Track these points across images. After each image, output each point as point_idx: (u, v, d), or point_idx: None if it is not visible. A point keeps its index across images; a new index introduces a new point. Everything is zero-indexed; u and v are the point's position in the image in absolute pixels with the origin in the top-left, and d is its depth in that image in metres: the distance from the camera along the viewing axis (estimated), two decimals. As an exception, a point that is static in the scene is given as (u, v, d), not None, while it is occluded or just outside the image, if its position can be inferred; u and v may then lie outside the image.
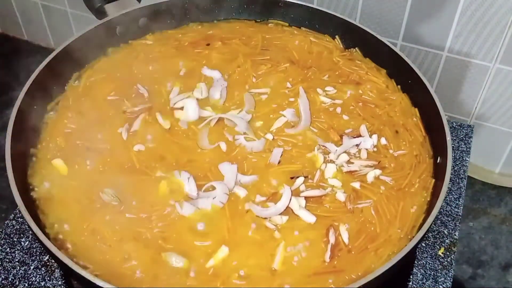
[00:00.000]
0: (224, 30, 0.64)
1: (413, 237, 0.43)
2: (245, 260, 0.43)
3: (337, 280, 0.42)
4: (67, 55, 0.56)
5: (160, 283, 0.41)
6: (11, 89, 0.52)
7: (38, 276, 0.50)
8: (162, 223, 0.45)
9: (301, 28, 0.65)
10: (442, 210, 0.57)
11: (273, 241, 0.44)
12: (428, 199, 0.48)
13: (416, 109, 0.55)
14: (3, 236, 0.52)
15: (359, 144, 0.51)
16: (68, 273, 0.49)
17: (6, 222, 0.53)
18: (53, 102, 0.54)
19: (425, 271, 0.52)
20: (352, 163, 0.50)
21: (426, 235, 0.46)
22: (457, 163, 0.62)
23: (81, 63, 0.58)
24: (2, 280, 0.49)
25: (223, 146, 0.51)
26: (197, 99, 0.55)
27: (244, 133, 0.52)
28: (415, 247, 0.42)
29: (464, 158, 0.62)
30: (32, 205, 0.46)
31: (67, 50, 0.56)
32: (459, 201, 0.58)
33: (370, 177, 0.49)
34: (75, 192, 0.47)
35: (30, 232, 0.52)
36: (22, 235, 0.52)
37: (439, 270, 0.52)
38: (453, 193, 0.58)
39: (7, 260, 0.50)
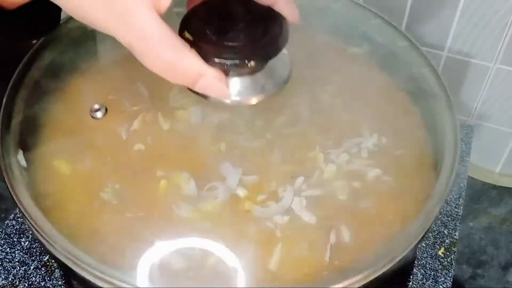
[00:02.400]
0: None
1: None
2: (245, 260, 0.43)
3: (337, 280, 0.42)
4: (65, 53, 0.56)
5: (161, 283, 0.41)
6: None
7: (38, 276, 0.50)
8: (162, 223, 0.45)
9: (301, 28, 0.65)
10: (442, 210, 0.57)
11: (273, 241, 0.44)
12: (428, 199, 0.48)
13: (416, 109, 0.55)
14: (3, 236, 0.52)
15: (360, 143, 0.51)
16: (68, 273, 0.49)
17: (6, 222, 0.53)
18: (53, 101, 0.54)
19: (425, 271, 0.52)
20: (353, 162, 0.50)
21: (426, 235, 0.46)
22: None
23: (81, 62, 0.58)
24: (2, 280, 0.49)
25: (223, 145, 0.51)
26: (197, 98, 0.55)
27: (244, 133, 0.52)
28: (415, 247, 0.42)
29: (464, 158, 0.62)
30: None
31: (65, 48, 0.56)
32: (459, 201, 0.58)
33: (371, 176, 0.49)
34: (74, 192, 0.47)
35: (30, 232, 0.52)
36: (22, 235, 0.52)
37: (439, 270, 0.52)
38: (453, 193, 0.58)
39: (7, 260, 0.50)
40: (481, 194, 0.79)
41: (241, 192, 0.48)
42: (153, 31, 0.36)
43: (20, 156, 0.47)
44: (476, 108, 0.75)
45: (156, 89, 0.57)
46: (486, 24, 0.67)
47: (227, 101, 0.43)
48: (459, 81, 0.73)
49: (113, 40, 0.60)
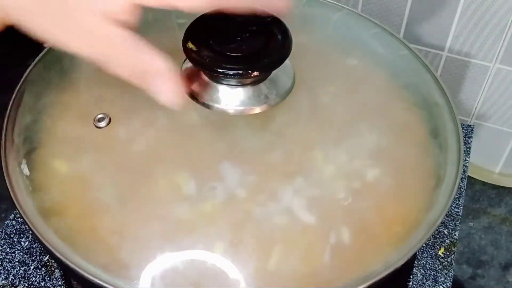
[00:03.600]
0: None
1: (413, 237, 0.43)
2: (244, 261, 0.43)
3: (337, 280, 0.42)
4: (64, 53, 0.55)
5: (160, 284, 0.41)
6: (6, 88, 0.52)
7: (38, 276, 0.50)
8: (162, 223, 0.45)
9: (301, 28, 0.65)
10: (442, 210, 0.57)
11: (272, 241, 0.44)
12: (429, 199, 0.48)
13: (417, 111, 0.55)
14: (3, 236, 0.52)
15: (359, 143, 0.51)
16: (68, 273, 0.49)
17: (6, 222, 0.53)
18: (52, 100, 0.54)
19: (425, 271, 0.52)
20: (352, 163, 0.50)
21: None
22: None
23: (80, 61, 0.57)
24: (2, 280, 0.49)
25: (223, 145, 0.51)
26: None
27: (244, 132, 0.52)
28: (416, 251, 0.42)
29: (464, 158, 0.62)
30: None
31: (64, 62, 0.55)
32: (459, 201, 0.58)
33: (370, 177, 0.49)
34: (74, 192, 0.47)
35: (30, 232, 0.52)
36: (22, 235, 0.52)
37: (439, 270, 0.52)
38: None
39: (7, 260, 0.50)
40: (481, 194, 0.79)
41: (241, 193, 0.48)
42: (116, 39, 0.37)
43: (23, 165, 0.47)
44: (476, 108, 0.75)
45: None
46: (486, 24, 0.67)
47: (230, 111, 0.44)
48: (459, 81, 0.73)
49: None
